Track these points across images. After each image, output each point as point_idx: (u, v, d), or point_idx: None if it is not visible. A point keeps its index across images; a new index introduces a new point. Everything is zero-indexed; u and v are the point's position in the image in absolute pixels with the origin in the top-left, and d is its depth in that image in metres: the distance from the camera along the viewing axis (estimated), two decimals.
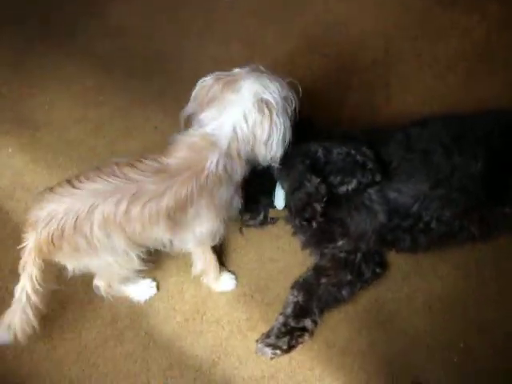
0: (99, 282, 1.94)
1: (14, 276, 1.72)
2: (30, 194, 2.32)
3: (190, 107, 1.80)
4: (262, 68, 1.76)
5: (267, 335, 1.95)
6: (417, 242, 1.97)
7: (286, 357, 1.95)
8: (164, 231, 1.69)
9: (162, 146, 2.35)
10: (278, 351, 1.93)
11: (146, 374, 2.00)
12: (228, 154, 1.67)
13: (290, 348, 1.94)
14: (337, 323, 2.01)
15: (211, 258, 2.01)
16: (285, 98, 1.72)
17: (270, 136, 1.69)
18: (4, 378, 2.03)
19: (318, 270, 2.00)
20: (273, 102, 1.67)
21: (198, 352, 2.02)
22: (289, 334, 1.93)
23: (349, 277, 1.97)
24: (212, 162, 1.64)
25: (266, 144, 1.70)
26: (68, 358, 2.04)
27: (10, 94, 2.62)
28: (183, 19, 2.80)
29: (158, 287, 2.10)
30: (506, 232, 2.02)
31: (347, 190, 1.84)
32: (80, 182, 1.58)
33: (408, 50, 2.53)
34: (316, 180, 1.81)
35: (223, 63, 2.57)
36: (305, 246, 2.06)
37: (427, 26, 2.57)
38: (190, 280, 2.10)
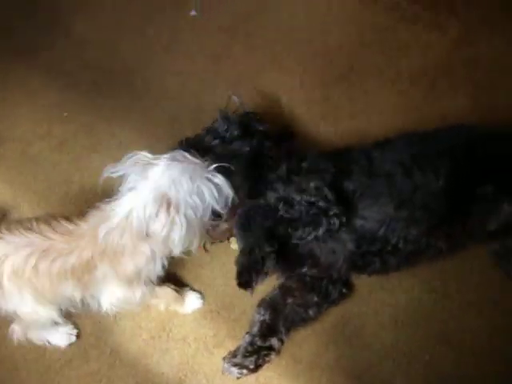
0: (16, 326, 1.91)
1: None
2: None
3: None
4: (187, 156, 1.72)
5: (234, 355, 1.94)
6: (386, 263, 1.97)
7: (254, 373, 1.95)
8: (73, 289, 1.75)
9: None
10: (245, 371, 1.91)
11: None
12: (123, 232, 1.68)
13: (257, 367, 1.93)
14: (304, 338, 2.01)
15: (166, 293, 2.00)
16: (198, 194, 1.66)
17: (168, 233, 1.65)
18: None
19: (284, 290, 1.99)
20: (174, 199, 1.63)
21: (164, 370, 2.00)
22: (256, 354, 1.92)
23: (315, 299, 1.97)
24: (106, 233, 1.67)
25: (164, 240, 1.67)
26: (31, 379, 2.01)
27: None
28: (149, 34, 2.79)
29: (78, 336, 2.05)
30: (472, 244, 2.04)
31: (315, 236, 1.86)
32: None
33: (372, 66, 2.55)
34: (268, 249, 1.84)
35: (189, 77, 2.60)
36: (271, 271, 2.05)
37: (391, 43, 2.61)
38: None
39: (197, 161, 1.72)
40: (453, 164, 1.87)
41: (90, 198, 2.28)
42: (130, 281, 1.79)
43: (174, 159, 1.70)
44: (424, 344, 1.98)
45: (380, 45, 2.61)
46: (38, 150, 2.46)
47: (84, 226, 1.72)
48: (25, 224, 1.71)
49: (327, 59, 2.60)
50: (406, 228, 1.87)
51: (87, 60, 2.73)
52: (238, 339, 1.99)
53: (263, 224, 1.85)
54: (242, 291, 1.87)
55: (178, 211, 1.63)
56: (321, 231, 1.85)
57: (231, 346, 1.99)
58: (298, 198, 1.86)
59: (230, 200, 1.72)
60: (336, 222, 1.84)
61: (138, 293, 1.85)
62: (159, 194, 1.63)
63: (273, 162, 2.01)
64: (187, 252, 1.80)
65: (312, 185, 1.87)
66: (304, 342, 2.00)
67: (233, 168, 1.81)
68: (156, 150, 2.29)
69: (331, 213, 1.83)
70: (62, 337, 2.02)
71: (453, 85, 2.45)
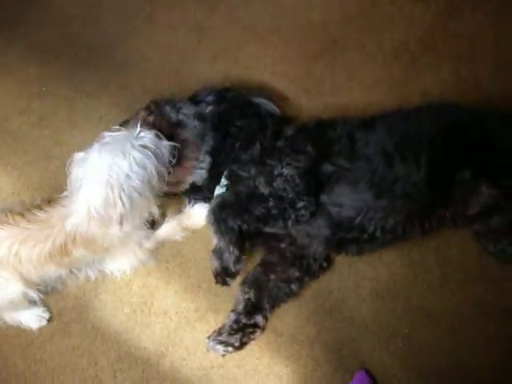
0: None
1: None
2: None
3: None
4: (112, 134, 1.78)
5: (219, 333, 1.96)
6: (362, 250, 1.99)
7: None
8: (56, 270, 1.90)
9: None
10: (230, 348, 1.94)
11: (93, 367, 1.99)
12: (88, 223, 1.80)
13: (242, 345, 1.96)
14: (284, 312, 2.02)
15: (170, 227, 2.11)
16: (138, 164, 1.73)
17: (121, 213, 1.75)
18: None
19: (265, 266, 2.01)
20: (116, 180, 1.71)
21: (146, 344, 2.01)
22: (241, 331, 1.94)
23: (297, 273, 1.99)
24: (72, 227, 1.81)
25: (120, 222, 1.78)
26: (13, 354, 2.02)
27: None
28: (129, 6, 2.74)
29: (49, 319, 2.06)
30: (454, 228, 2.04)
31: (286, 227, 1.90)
32: None
33: (355, 40, 2.53)
34: (237, 254, 1.87)
35: (169, 50, 2.56)
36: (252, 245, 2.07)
37: (374, 17, 2.58)
38: (138, 272, 2.09)
39: (125, 133, 1.78)
40: (434, 151, 1.84)
41: None
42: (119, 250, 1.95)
43: (102, 144, 1.76)
44: (404, 317, 2.00)
45: (363, 19, 2.58)
46: (18, 125, 2.44)
47: (54, 214, 1.84)
48: (1, 218, 1.82)
49: (310, 33, 2.58)
50: (385, 218, 1.86)
51: (67, 34, 2.68)
52: (220, 313, 2.02)
53: (233, 225, 1.86)
54: None
55: (123, 190, 1.72)
56: (290, 223, 1.88)
57: (213, 319, 2.01)
58: (266, 191, 1.87)
59: (170, 151, 1.82)
60: (305, 213, 1.85)
61: (138, 252, 2.01)
62: (103, 183, 1.71)
63: (246, 138, 2.03)
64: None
65: (285, 171, 1.86)
66: (285, 315, 2.02)
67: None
68: None
69: (300, 205, 1.84)
70: (34, 318, 2.03)
71: (436, 59, 2.44)
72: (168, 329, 2.03)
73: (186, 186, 2.06)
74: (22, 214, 1.82)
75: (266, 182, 1.88)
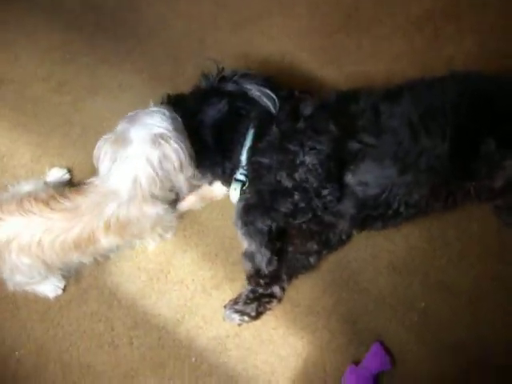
0: (8, 280, 1.94)
1: None
2: None
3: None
4: (138, 111, 1.80)
5: (235, 302, 1.96)
6: (387, 225, 1.96)
7: None
8: (79, 257, 1.90)
9: (128, 103, 2.34)
10: (246, 317, 1.94)
11: (110, 333, 2.00)
12: (130, 203, 1.81)
13: (258, 314, 1.96)
14: (301, 282, 2.02)
15: (193, 200, 2.13)
16: (173, 120, 1.78)
17: (180, 162, 1.77)
18: None
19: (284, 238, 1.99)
20: (164, 132, 1.74)
21: (162, 311, 2.02)
22: (257, 301, 1.94)
23: (315, 247, 1.97)
24: (111, 209, 1.81)
25: (181, 170, 1.79)
26: (32, 318, 2.04)
27: None
28: None
29: (64, 288, 2.07)
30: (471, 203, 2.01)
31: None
32: (2, 213, 1.78)
33: (379, 12, 2.50)
34: (268, 255, 1.88)
35: (192, 20, 2.54)
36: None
37: None
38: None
39: (165, 112, 1.80)
40: (459, 122, 1.78)
41: (90, 140, 2.27)
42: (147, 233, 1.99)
43: (133, 116, 1.78)
44: (421, 291, 1.98)
45: None
46: (39, 91, 2.44)
47: (82, 203, 1.82)
48: (25, 205, 1.79)
49: (335, 5, 2.55)
50: (409, 193, 1.82)
51: (90, 1, 2.68)
52: (237, 282, 2.02)
53: (262, 227, 1.85)
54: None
55: (173, 140, 1.74)
56: (319, 212, 1.85)
57: (229, 288, 2.01)
58: (289, 184, 1.82)
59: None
60: (332, 199, 1.82)
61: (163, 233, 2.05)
62: (152, 139, 1.72)
63: (260, 123, 1.96)
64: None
65: (307, 160, 1.82)
66: (301, 285, 2.01)
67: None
68: (156, 92, 2.28)
69: (325, 192, 1.81)
70: (50, 288, 2.04)
71: (460, 30, 2.39)
72: (184, 297, 2.03)
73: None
74: (46, 202, 1.80)
75: (287, 174, 1.83)
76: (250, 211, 1.86)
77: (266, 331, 1.97)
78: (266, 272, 1.90)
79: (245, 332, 1.97)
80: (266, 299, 1.95)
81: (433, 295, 1.97)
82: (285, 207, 1.83)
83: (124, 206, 1.81)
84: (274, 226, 1.85)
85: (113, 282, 2.07)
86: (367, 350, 1.89)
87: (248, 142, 1.93)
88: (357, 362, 1.88)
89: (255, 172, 1.92)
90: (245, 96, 1.98)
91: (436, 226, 2.06)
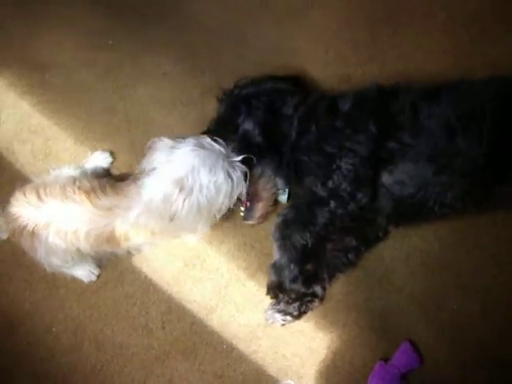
0: (44, 261, 1.96)
1: None
2: (37, 136, 2.34)
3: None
4: (212, 144, 1.78)
5: (277, 301, 1.96)
6: (420, 223, 2.00)
7: None
8: (113, 249, 1.94)
9: (170, 92, 2.35)
10: (289, 317, 1.95)
11: (144, 316, 2.05)
12: (149, 216, 1.80)
13: (300, 314, 1.97)
14: (334, 278, 2.03)
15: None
16: (215, 185, 1.75)
17: (186, 212, 1.75)
18: (4, 315, 2.09)
19: (320, 236, 1.97)
20: (189, 185, 1.72)
21: (196, 298, 2.06)
22: (299, 300, 1.94)
23: (354, 242, 1.98)
24: (134, 213, 1.80)
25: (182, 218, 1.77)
26: (69, 298, 2.10)
27: (18, 32, 2.58)
28: None
29: (98, 276, 2.11)
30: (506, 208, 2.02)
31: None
32: (46, 195, 1.82)
33: (423, 8, 2.47)
34: (295, 273, 1.87)
35: (235, 10, 2.54)
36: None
37: None
38: None
39: (222, 150, 1.78)
40: (497, 128, 1.77)
41: (132, 126, 2.33)
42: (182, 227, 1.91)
43: (199, 145, 1.77)
44: (453, 292, 1.99)
45: None
46: (83, 77, 2.46)
47: (118, 205, 1.84)
48: (68, 192, 1.83)
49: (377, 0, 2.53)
50: (444, 193, 1.81)
51: None
52: None
53: (299, 241, 1.84)
54: None
55: (190, 196, 1.73)
56: (356, 213, 1.84)
57: (263, 279, 2.03)
58: (325, 194, 1.83)
59: (239, 194, 1.83)
60: (366, 201, 1.82)
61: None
62: (176, 179, 1.72)
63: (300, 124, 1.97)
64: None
65: (343, 165, 1.82)
66: (334, 280, 2.03)
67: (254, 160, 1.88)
68: (198, 83, 2.31)
69: (359, 196, 1.81)
70: (85, 274, 2.09)
71: (507, 31, 2.36)
72: (219, 285, 2.07)
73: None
74: (88, 194, 1.82)
75: (322, 184, 1.84)
76: (288, 226, 1.86)
77: (297, 323, 1.99)
78: (288, 288, 1.89)
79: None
80: (308, 298, 1.95)
81: (464, 297, 1.98)
82: (323, 217, 1.83)
83: (142, 215, 1.81)
84: (310, 242, 1.84)
85: (149, 267, 2.11)
86: (396, 347, 1.91)
87: (292, 139, 1.97)
88: (385, 360, 1.90)
89: (295, 172, 1.96)
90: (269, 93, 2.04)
91: (471, 228, 2.05)
